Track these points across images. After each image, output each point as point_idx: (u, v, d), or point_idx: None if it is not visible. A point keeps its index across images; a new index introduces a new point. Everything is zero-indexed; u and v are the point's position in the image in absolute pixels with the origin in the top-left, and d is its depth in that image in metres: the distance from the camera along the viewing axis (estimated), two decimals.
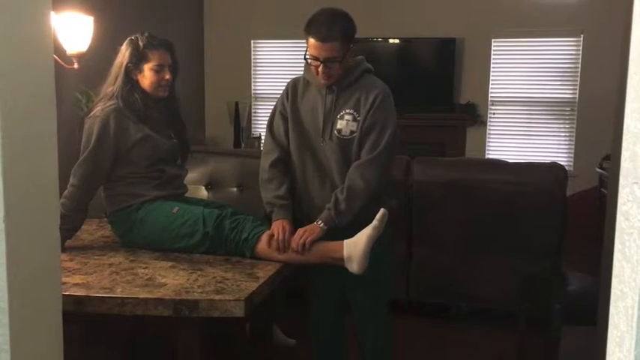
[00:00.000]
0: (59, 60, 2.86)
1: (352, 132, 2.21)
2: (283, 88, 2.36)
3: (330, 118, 2.23)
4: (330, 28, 2.11)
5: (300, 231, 2.16)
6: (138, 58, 2.28)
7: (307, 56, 2.17)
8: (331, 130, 2.22)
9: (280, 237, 2.14)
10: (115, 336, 2.61)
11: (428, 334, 3.41)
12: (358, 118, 2.21)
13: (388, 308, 2.45)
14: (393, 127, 2.22)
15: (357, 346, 2.45)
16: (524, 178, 3.43)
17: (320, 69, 2.15)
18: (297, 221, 2.24)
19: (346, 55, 2.16)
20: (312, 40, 2.13)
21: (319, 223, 2.17)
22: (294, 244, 2.13)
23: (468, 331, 3.45)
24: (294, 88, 2.31)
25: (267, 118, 2.39)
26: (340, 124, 2.22)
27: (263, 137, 6.19)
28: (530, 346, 2.90)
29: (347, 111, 2.22)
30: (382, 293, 2.41)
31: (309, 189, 2.29)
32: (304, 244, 2.12)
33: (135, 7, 4.98)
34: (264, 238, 2.16)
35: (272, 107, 2.38)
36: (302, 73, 2.32)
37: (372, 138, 2.20)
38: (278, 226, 2.17)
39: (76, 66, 3.05)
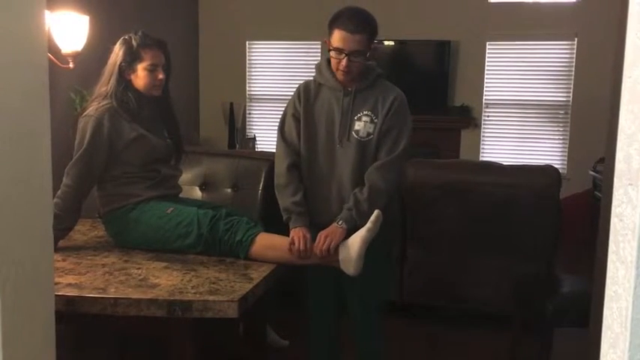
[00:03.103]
0: (54, 59, 2.85)
1: (369, 134, 2.22)
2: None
3: (347, 120, 2.23)
4: (359, 21, 2.15)
5: (321, 236, 2.13)
6: (131, 58, 2.27)
7: (331, 48, 2.17)
8: (349, 132, 2.23)
9: (302, 247, 2.12)
10: (108, 337, 2.60)
11: (421, 336, 3.41)
12: (375, 121, 2.22)
13: (383, 309, 2.45)
14: (410, 131, 2.25)
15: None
16: (518, 180, 3.44)
17: (343, 62, 2.15)
18: None
19: (369, 53, 2.20)
20: (338, 32, 2.14)
21: (340, 223, 2.15)
22: (317, 251, 2.11)
23: (461, 332, 3.45)
24: (307, 91, 2.30)
25: (276, 122, 2.38)
26: (358, 126, 2.22)
27: (257, 138, 6.24)
28: (523, 348, 2.91)
29: (364, 113, 2.23)
30: (378, 294, 2.41)
31: (315, 191, 2.29)
32: (329, 249, 2.10)
33: (130, 7, 4.97)
34: (259, 239, 2.15)
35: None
36: (302, 76, 2.33)
37: (391, 140, 2.22)
38: (298, 235, 2.15)
39: (71, 65, 3.04)
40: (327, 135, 2.26)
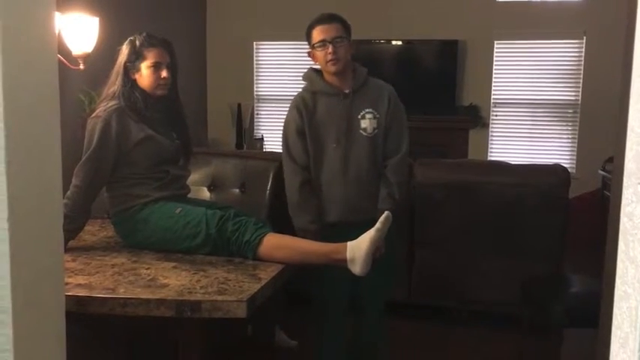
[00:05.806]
0: (64, 61, 2.86)
1: (374, 129, 2.37)
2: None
3: (353, 120, 2.36)
4: (330, 15, 2.37)
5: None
6: (135, 57, 2.29)
7: (315, 45, 2.32)
8: (357, 131, 2.36)
9: None
10: (117, 337, 2.61)
11: (429, 336, 3.40)
12: (377, 116, 2.37)
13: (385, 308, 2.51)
14: (407, 123, 2.45)
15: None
16: (526, 180, 3.43)
17: (329, 49, 2.29)
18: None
19: (350, 42, 2.35)
20: (317, 29, 2.33)
21: None
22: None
23: (469, 333, 3.45)
24: (305, 103, 2.38)
25: (280, 138, 2.45)
26: (364, 124, 2.36)
27: (265, 139, 6.25)
28: (531, 349, 2.90)
29: (367, 110, 2.37)
30: (388, 292, 2.46)
31: (332, 193, 2.37)
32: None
33: (139, 8, 4.99)
34: (267, 240, 2.16)
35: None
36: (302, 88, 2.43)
37: (397, 136, 2.39)
38: None
39: (81, 67, 3.06)
40: (336, 138, 2.35)
